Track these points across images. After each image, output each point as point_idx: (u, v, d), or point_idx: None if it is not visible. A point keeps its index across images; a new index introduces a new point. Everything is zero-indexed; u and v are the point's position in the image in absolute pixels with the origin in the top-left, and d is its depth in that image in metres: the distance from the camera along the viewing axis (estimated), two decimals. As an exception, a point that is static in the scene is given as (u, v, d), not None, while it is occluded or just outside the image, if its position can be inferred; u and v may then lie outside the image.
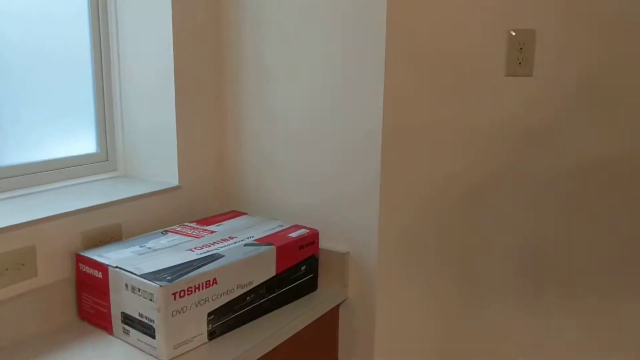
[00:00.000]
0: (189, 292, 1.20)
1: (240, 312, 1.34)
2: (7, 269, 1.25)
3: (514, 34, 1.41)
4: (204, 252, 1.34)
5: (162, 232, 1.49)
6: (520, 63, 1.42)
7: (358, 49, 1.46)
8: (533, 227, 1.48)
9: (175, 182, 1.66)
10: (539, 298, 1.52)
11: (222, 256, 1.32)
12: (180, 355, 1.21)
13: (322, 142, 1.57)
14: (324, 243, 1.61)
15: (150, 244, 1.39)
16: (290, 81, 1.59)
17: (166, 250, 1.35)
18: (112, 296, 1.26)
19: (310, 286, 1.54)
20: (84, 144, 1.67)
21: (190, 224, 1.55)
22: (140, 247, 1.37)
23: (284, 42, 1.59)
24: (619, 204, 1.42)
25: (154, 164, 1.69)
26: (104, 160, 1.71)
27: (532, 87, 1.42)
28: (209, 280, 1.24)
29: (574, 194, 1.44)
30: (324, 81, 1.53)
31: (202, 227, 1.53)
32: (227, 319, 1.31)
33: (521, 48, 1.42)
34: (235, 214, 1.67)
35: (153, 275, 1.19)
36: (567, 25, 1.39)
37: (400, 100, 1.46)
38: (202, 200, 1.75)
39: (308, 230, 1.51)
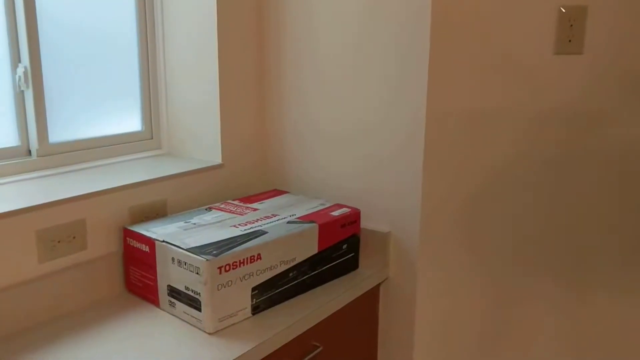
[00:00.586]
0: (234, 267, 1.22)
1: (283, 287, 1.35)
2: (59, 242, 1.29)
3: (564, 10, 1.38)
4: (248, 229, 1.35)
5: (206, 209, 1.51)
6: (570, 41, 1.39)
7: (403, 29, 1.45)
8: (585, 220, 1.45)
9: (218, 160, 1.68)
10: (581, 292, 1.49)
11: (266, 232, 1.33)
12: (225, 328, 1.23)
13: (366, 125, 1.56)
14: (365, 223, 1.61)
15: (195, 219, 1.42)
16: (335, 64, 1.59)
17: (211, 226, 1.37)
18: (159, 269, 1.29)
19: (352, 264, 1.54)
20: (131, 122, 1.70)
21: (233, 202, 1.57)
22: (186, 222, 1.40)
23: (330, 23, 1.58)
24: (671, 186, 1.38)
25: (198, 142, 1.71)
26: (148, 138, 1.75)
27: (583, 66, 1.39)
28: (254, 256, 1.26)
29: (629, 180, 1.41)
30: (370, 66, 1.52)
31: (245, 205, 1.54)
32: (271, 294, 1.32)
33: (571, 25, 1.38)
34: (277, 192, 1.68)
35: (199, 250, 1.21)
36: (620, 1, 1.35)
37: (444, 84, 1.44)
38: (245, 179, 1.76)
39: (350, 210, 1.52)
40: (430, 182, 1.49)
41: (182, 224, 1.39)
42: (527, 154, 1.46)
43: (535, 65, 1.41)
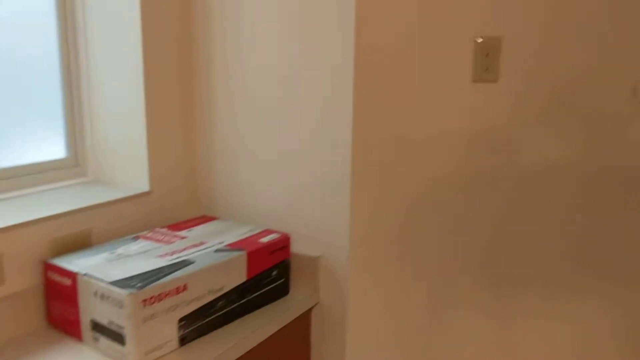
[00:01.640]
0: (159, 299, 1.20)
1: (212, 317, 1.34)
2: (-27, 278, 1.24)
3: (480, 41, 1.44)
4: (175, 258, 1.34)
5: (132, 238, 1.48)
6: (487, 69, 1.45)
7: (328, 56, 1.48)
8: (499, 230, 1.51)
9: (146, 187, 1.66)
10: (506, 301, 1.55)
11: (193, 262, 1.32)
12: (151, 362, 1.21)
13: (295, 150, 1.58)
14: (296, 247, 1.62)
15: (121, 250, 1.39)
16: (264, 89, 1.60)
17: (136, 257, 1.34)
18: (82, 303, 1.26)
19: (282, 290, 1.55)
20: (53, 149, 1.65)
21: (161, 230, 1.55)
22: (111, 253, 1.37)
23: (259, 47, 1.59)
24: (582, 204, 1.46)
25: (125, 169, 1.68)
26: (73, 165, 1.70)
27: (498, 93, 1.45)
28: (180, 287, 1.24)
29: (536, 195, 1.48)
30: (298, 93, 1.54)
31: (173, 233, 1.52)
32: (199, 324, 1.31)
33: (487, 55, 1.45)
34: (206, 218, 1.67)
35: (123, 282, 1.19)
36: (532, 33, 1.42)
37: (370, 111, 1.47)
38: (174, 205, 1.74)
39: (279, 235, 1.52)
40: (359, 207, 1.52)
41: (106, 255, 1.36)
42: (453, 177, 1.51)
43: (456, 93, 1.46)
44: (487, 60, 1.45)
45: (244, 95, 1.64)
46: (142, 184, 1.66)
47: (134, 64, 1.59)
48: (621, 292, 1.53)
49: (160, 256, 1.35)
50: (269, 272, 1.49)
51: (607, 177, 1.47)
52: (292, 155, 1.58)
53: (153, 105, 1.63)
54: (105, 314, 1.21)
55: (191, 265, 1.30)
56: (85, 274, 1.24)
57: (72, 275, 1.26)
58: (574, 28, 1.43)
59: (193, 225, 1.59)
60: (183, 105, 1.73)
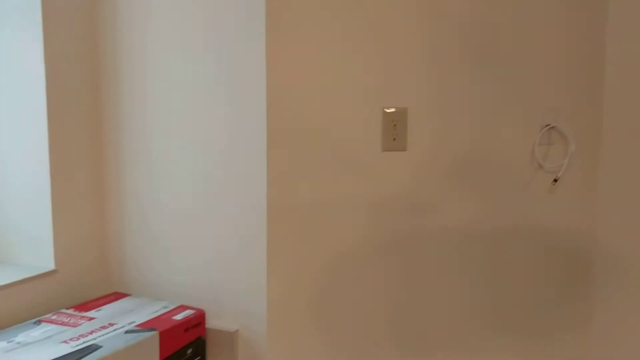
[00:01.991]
0: (62, 391, 1.12)
1: (121, 405, 1.26)
2: None
3: (388, 111, 1.49)
4: (80, 344, 1.26)
5: (35, 323, 1.39)
6: (395, 139, 1.50)
7: (240, 126, 1.48)
8: (409, 292, 1.53)
9: (51, 265, 1.57)
10: (426, 364, 1.56)
11: (100, 347, 1.25)
12: None
13: (207, 219, 1.55)
14: (212, 322, 1.57)
15: (20, 337, 1.30)
16: (171, 160, 1.58)
17: (37, 344, 1.26)
18: (-26, 401, 1.15)
19: (198, 369, 1.49)
20: (-53, 228, 1.55)
21: (67, 311, 1.46)
22: (8, 342, 1.27)
23: (165, 120, 1.57)
24: (484, 263, 1.51)
25: (28, 246, 1.59)
26: (-30, 245, 1.59)
27: (408, 161, 1.50)
28: (85, 375, 1.17)
29: (443, 256, 1.52)
30: (207, 159, 1.53)
31: (80, 314, 1.44)
32: (106, 414, 1.23)
33: (395, 125, 1.50)
34: (117, 296, 1.59)
35: (20, 376, 1.10)
36: (435, 103, 1.49)
37: (283, 178, 1.48)
38: (82, 283, 1.66)
39: (194, 311, 1.47)
40: (275, 277, 1.50)
41: (4, 344, 1.26)
42: (363, 241, 1.52)
43: (367, 161, 1.50)
44: (395, 130, 1.49)
45: (151, 169, 1.61)
46: (46, 263, 1.57)
47: (38, 132, 1.53)
48: (524, 344, 1.57)
49: (65, 342, 1.27)
50: (184, 351, 1.43)
51: (506, 236, 1.53)
52: (205, 224, 1.55)
53: (59, 177, 1.56)
54: (0, 412, 1.11)
55: (98, 351, 1.22)
56: (-22, 368, 1.14)
57: (-37, 370, 1.16)
58: (473, 98, 1.51)
59: (102, 304, 1.52)
60: (92, 178, 1.67)
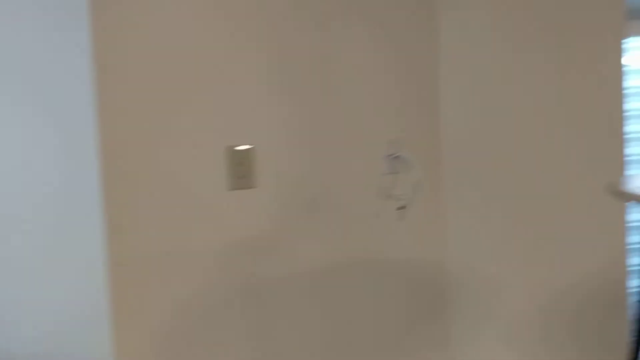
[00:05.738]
0: None
1: None
2: None
3: (234, 149, 1.46)
4: None
5: None
6: (242, 177, 1.47)
7: (71, 173, 1.38)
8: (265, 335, 1.49)
9: None
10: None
11: None
12: None
13: (40, 281, 1.42)
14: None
15: None
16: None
17: None
18: None
19: None
20: None
21: None
22: None
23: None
24: (337, 298, 1.51)
25: None
26: None
27: (257, 199, 1.47)
28: None
29: (298, 297, 1.50)
30: (37, 213, 1.41)
31: None
32: None
33: (241, 163, 1.47)
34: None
35: None
36: (283, 141, 1.49)
37: (123, 228, 1.39)
38: None
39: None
40: (120, 333, 1.39)
41: None
42: (218, 287, 1.47)
43: (213, 202, 1.45)
44: (242, 169, 1.46)
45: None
46: None
47: None
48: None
49: None
50: None
51: (360, 268, 1.55)
52: (39, 287, 1.42)
53: None
54: None
55: None
56: None
57: None
58: (320, 132, 1.52)
59: None
60: None
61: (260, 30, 1.48)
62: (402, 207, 1.59)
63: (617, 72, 1.76)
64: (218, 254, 1.45)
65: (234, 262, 1.46)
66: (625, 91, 1.77)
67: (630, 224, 1.84)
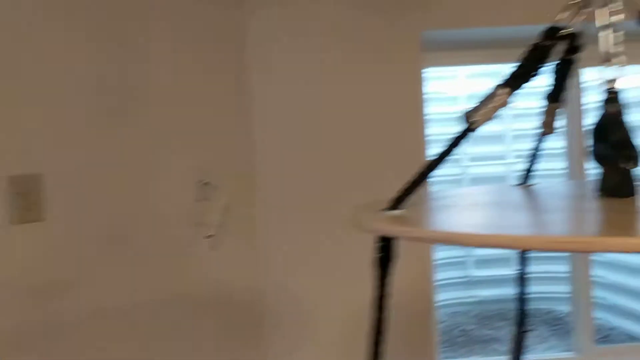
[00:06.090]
0: None
1: None
2: None
3: (16, 178, 1.30)
4: None
5: None
6: (29, 209, 1.32)
7: None
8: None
9: None
10: None
11: None
12: None
13: None
14: None
15: None
16: None
17: None
18: None
19: None
20: None
21: None
22: None
23: None
24: (152, 339, 1.42)
25: None
26: None
27: (45, 233, 1.33)
28: None
29: (105, 337, 1.38)
30: None
31: None
32: None
33: (28, 193, 1.32)
34: None
35: None
36: (75, 169, 1.37)
37: None
38: None
39: None
40: None
41: None
42: (3, 334, 1.30)
43: (-6, 238, 1.28)
44: (28, 199, 1.31)
45: None
46: None
47: None
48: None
49: None
50: None
51: (172, 300, 1.47)
52: None
53: None
54: None
55: None
56: None
57: None
58: (120, 160, 1.42)
59: None
60: None
61: (53, 48, 1.35)
62: (211, 236, 1.53)
63: (417, 100, 1.87)
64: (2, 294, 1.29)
65: (10, 301, 1.30)
66: (425, 117, 1.88)
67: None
